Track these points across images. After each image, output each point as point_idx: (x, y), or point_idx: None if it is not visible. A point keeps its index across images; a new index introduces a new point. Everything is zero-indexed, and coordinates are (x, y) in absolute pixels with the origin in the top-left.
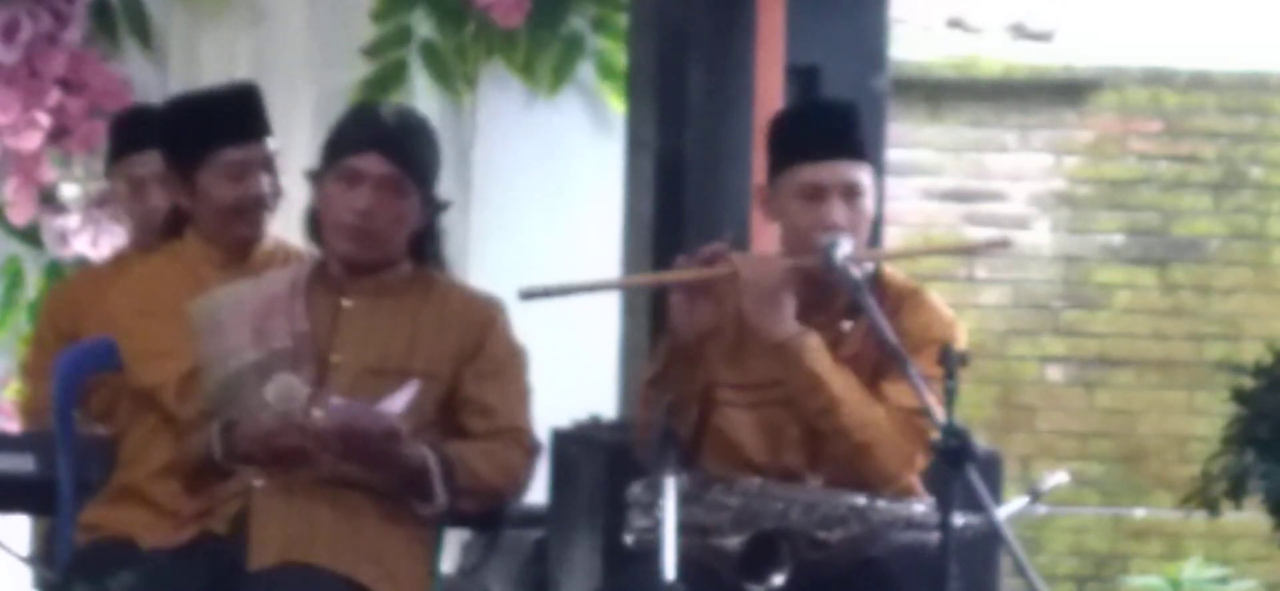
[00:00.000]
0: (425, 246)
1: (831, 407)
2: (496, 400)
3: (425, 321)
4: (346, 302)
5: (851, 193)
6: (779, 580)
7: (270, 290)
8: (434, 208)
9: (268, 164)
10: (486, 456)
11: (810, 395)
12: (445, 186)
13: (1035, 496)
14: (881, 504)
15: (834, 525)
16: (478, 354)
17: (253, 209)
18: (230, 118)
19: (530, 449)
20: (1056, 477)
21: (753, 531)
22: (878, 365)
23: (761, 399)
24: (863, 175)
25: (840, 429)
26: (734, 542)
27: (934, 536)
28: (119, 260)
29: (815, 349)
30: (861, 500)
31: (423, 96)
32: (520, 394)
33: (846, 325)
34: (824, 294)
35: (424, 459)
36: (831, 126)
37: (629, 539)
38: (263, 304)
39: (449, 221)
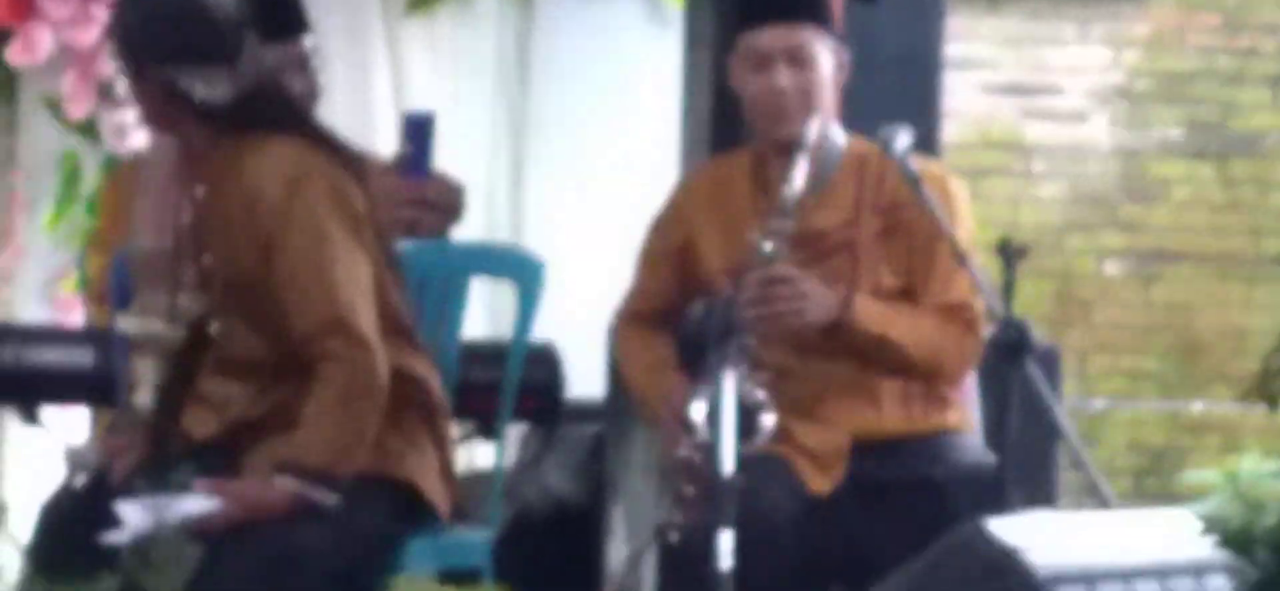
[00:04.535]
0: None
1: (899, 354)
2: (297, 307)
3: (240, 206)
4: (199, 189)
5: (797, 58)
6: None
7: (167, 165)
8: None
9: (303, 63)
10: (323, 415)
11: (879, 353)
12: (503, 82)
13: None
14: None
15: None
16: (273, 242)
17: None
18: (263, 16)
19: (350, 357)
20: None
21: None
22: (905, 251)
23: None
24: (810, 38)
25: (910, 365)
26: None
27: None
28: None
29: (864, 309)
30: None
31: None
32: (315, 274)
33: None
34: (776, 177)
35: (285, 491)
36: None
37: (673, 537)
38: (162, 180)
39: (507, 116)
